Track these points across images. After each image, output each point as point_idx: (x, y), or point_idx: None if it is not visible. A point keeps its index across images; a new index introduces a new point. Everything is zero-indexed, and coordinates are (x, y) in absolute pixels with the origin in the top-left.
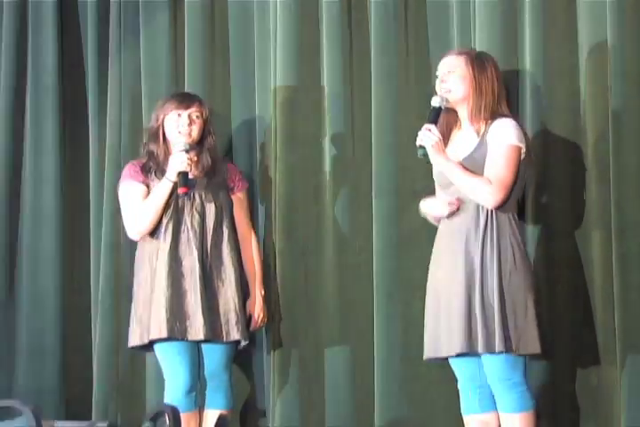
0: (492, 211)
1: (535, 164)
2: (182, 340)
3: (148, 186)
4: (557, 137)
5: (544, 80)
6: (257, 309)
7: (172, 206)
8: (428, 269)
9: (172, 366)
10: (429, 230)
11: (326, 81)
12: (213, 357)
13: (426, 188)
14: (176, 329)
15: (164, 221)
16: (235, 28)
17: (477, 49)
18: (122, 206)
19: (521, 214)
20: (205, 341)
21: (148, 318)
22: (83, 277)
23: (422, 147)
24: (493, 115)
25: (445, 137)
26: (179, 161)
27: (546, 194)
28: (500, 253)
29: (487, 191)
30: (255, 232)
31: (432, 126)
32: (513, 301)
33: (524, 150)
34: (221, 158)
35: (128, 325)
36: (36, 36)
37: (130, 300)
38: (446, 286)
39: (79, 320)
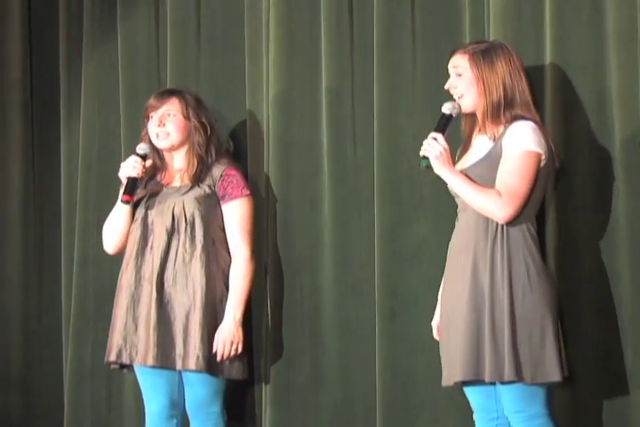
0: (502, 223)
1: (557, 169)
2: (131, 364)
3: None
4: (582, 139)
5: (567, 76)
6: (221, 334)
7: (142, 217)
8: (436, 285)
9: (146, 389)
10: (438, 242)
11: (325, 77)
12: (196, 386)
13: (434, 195)
14: (124, 353)
15: (132, 232)
16: (223, 18)
17: (492, 39)
18: None
19: (541, 225)
20: (170, 368)
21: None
22: (52, 295)
23: (426, 157)
24: (514, 116)
25: (467, 143)
26: (125, 165)
27: (568, 202)
28: (510, 271)
29: (496, 205)
30: (252, 246)
31: (439, 135)
32: (527, 324)
33: (543, 157)
34: (215, 160)
35: (102, 347)
36: (1, 25)
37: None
38: (453, 306)
39: (47, 343)
